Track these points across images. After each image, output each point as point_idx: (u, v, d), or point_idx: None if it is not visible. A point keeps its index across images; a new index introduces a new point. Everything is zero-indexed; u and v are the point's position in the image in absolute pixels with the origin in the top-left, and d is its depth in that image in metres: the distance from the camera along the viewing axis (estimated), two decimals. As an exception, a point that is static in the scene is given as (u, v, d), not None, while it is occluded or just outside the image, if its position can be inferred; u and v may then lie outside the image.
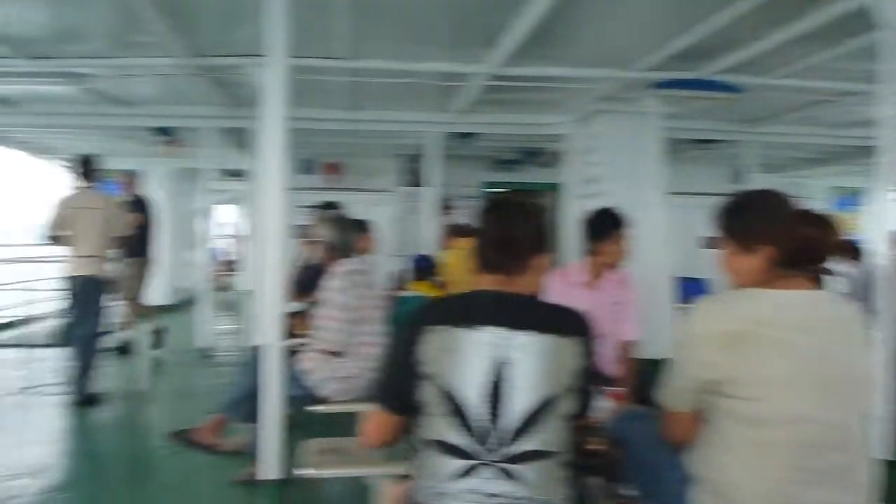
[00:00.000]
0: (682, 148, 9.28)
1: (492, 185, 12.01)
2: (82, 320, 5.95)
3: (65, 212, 5.90)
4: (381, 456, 3.06)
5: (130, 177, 8.04)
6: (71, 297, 5.97)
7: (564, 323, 1.93)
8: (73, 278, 5.90)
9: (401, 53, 5.76)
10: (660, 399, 2.18)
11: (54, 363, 7.42)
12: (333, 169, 11.90)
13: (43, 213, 6.00)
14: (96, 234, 5.92)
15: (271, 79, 3.93)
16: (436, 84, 6.67)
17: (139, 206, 7.75)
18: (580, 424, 1.96)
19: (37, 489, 4.06)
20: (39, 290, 9.72)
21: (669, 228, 7.15)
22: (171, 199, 12.45)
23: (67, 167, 6.77)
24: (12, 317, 9.74)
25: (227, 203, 15.71)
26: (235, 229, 18.07)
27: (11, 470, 4.30)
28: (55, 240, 5.95)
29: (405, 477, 2.31)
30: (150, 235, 7.91)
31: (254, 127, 7.37)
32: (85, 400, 5.85)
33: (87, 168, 6.08)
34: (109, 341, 6.46)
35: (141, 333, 7.92)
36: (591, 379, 1.94)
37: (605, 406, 2.63)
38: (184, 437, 4.15)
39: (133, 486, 4.28)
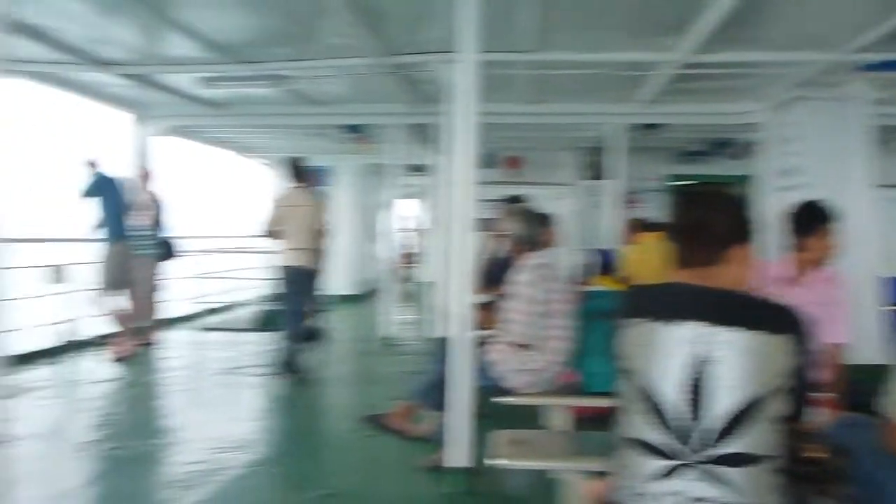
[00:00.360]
0: (894, 137, 8.49)
1: (677, 177, 11.58)
2: (294, 306, 6.57)
3: (279, 209, 6.52)
4: (574, 451, 3.04)
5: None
6: (284, 284, 6.56)
7: (775, 319, 1.79)
8: (286, 268, 6.50)
9: (587, 44, 5.67)
10: (884, 408, 2.00)
11: (256, 346, 8.03)
12: (514, 163, 11.95)
13: (257, 210, 6.64)
14: (306, 229, 6.49)
15: (462, 75, 3.98)
16: (621, 74, 6.51)
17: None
18: (795, 429, 1.82)
19: (242, 462, 4.40)
20: (243, 279, 10.51)
21: (879, 224, 6.57)
22: (356, 194, 13.03)
23: (278, 167, 7.32)
24: (219, 303, 10.59)
25: (408, 197, 16.21)
26: (416, 223, 18.62)
27: (220, 444, 4.69)
28: (271, 234, 6.57)
29: (601, 474, 2.27)
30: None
31: (439, 123, 7.59)
32: (293, 378, 6.47)
33: (297, 169, 6.69)
34: (307, 327, 6.89)
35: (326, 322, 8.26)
36: (804, 380, 1.80)
37: (819, 412, 2.46)
38: (375, 421, 4.33)
39: (326, 464, 4.52)
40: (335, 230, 7.92)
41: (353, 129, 9.35)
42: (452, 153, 4.13)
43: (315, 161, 12.43)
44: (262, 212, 6.61)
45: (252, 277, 10.41)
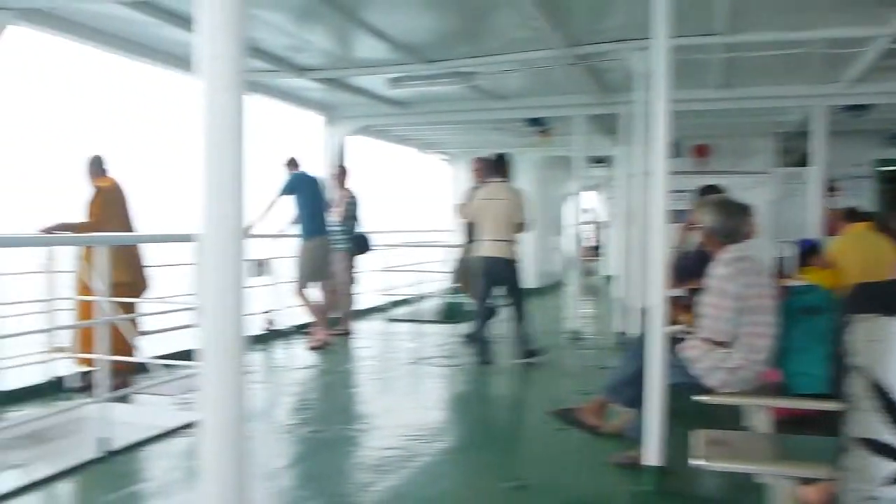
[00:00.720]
0: None
1: (887, 162, 10.59)
2: (488, 296, 6.80)
3: (477, 202, 6.79)
4: (780, 454, 2.87)
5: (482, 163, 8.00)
6: (483, 276, 6.77)
7: None
8: (483, 259, 6.72)
9: (787, 22, 5.31)
10: None
11: (440, 337, 8.24)
12: (702, 151, 11.42)
13: (438, 204, 6.87)
14: (504, 222, 6.65)
15: (655, 61, 3.85)
16: (824, 53, 6.05)
17: None
18: None
19: (434, 450, 4.52)
20: (427, 272, 10.81)
21: None
22: (538, 187, 13.01)
23: (478, 162, 7.48)
24: (405, 295, 10.96)
25: (589, 190, 15.99)
26: (598, 215, 18.35)
27: (412, 430, 4.83)
28: (468, 226, 6.85)
29: (813, 480, 2.13)
30: None
31: (623, 112, 7.40)
32: (487, 364, 6.72)
33: (499, 164, 6.90)
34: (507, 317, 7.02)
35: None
36: None
37: None
38: (565, 415, 4.31)
39: (516, 455, 4.56)
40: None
41: (535, 122, 9.33)
42: (637, 143, 4.02)
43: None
44: (459, 204, 6.96)
45: (435, 270, 10.68)
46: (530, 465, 4.29)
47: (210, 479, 1.51)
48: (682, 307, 4.48)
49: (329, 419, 5.23)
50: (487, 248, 6.69)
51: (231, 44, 1.29)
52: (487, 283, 6.78)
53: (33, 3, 5.20)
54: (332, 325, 8.05)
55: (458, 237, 7.91)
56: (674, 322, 4.28)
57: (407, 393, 6.22)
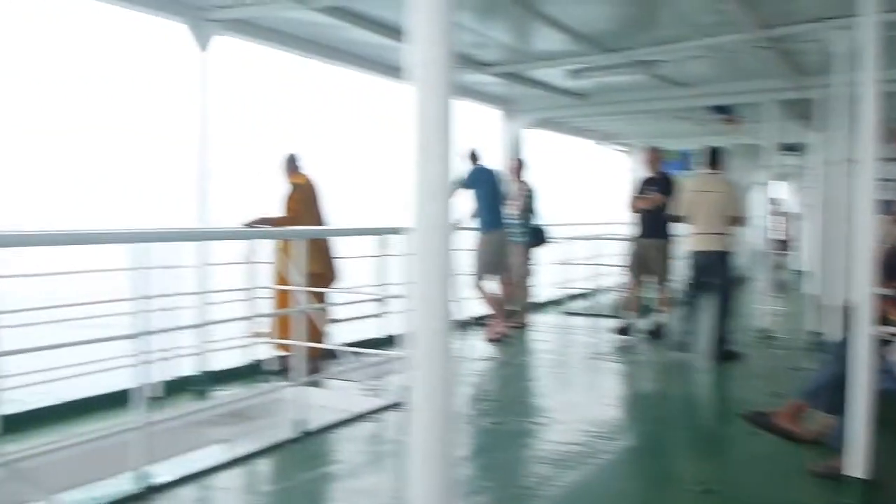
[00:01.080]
0: None
1: None
2: (708, 290, 6.59)
3: (689, 194, 6.67)
4: None
5: (654, 154, 7.73)
6: (693, 269, 6.66)
7: None
8: (696, 253, 6.61)
9: None
10: None
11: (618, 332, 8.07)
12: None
13: (613, 196, 6.74)
14: (717, 214, 6.49)
15: (864, 38, 3.57)
16: None
17: (660, 184, 7.43)
18: None
19: (615, 448, 4.45)
20: (604, 265, 10.64)
21: None
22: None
23: (650, 153, 7.34)
24: (581, 288, 10.86)
25: (779, 179, 15.07)
26: (787, 207, 17.25)
27: (592, 427, 4.77)
28: (680, 219, 6.75)
29: None
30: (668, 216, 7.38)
31: (819, 97, 6.92)
32: (725, 356, 6.50)
33: (713, 156, 6.71)
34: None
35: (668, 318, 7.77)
36: None
37: None
38: (758, 419, 4.11)
39: (703, 458, 4.38)
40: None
41: (721, 109, 8.93)
42: (837, 129, 3.74)
43: (677, 145, 12.16)
44: (677, 197, 6.88)
45: (612, 264, 10.50)
46: (718, 469, 4.12)
47: (420, 460, 1.59)
48: (892, 305, 4.13)
49: (508, 411, 5.29)
50: (698, 241, 6.56)
51: (440, 50, 1.34)
52: (697, 277, 6.64)
53: (235, 14, 5.63)
54: (510, 317, 8.12)
55: (632, 229, 7.70)
56: (883, 322, 3.95)
57: (586, 388, 6.17)
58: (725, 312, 6.57)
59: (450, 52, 1.39)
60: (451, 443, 1.62)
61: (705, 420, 5.42)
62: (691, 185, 6.80)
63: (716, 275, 6.54)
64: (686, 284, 6.79)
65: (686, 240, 6.76)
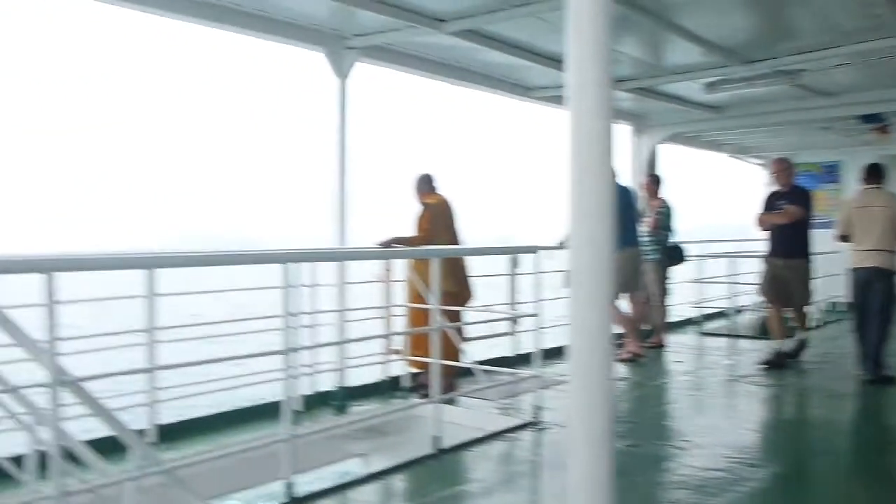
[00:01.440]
0: None
1: None
2: (871, 308, 6.32)
3: (850, 210, 6.47)
4: None
5: (782, 164, 7.09)
6: (854, 288, 6.42)
7: None
8: (856, 270, 6.36)
9: None
10: None
11: (757, 354, 7.68)
12: None
13: (749, 211, 6.50)
14: (880, 230, 6.23)
15: None
16: None
17: (790, 198, 6.87)
18: None
19: (760, 475, 4.22)
20: (741, 284, 10.19)
21: None
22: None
23: (779, 164, 7.00)
24: (717, 308, 10.46)
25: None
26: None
27: (734, 452, 4.55)
28: (843, 238, 6.51)
29: None
30: (808, 231, 6.94)
31: None
32: (879, 380, 6.24)
33: (873, 171, 6.48)
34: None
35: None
36: None
37: None
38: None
39: (855, 490, 4.12)
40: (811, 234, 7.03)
41: (871, 118, 8.43)
42: None
43: (820, 157, 11.56)
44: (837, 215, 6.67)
45: (749, 283, 10.05)
46: (871, 502, 3.86)
47: (578, 477, 1.60)
48: None
49: (644, 434, 5.14)
50: (860, 258, 6.30)
51: (599, 74, 1.35)
52: (859, 296, 6.36)
53: (373, 41, 5.84)
54: (645, 337, 7.93)
55: (765, 247, 7.27)
56: None
57: (726, 412, 5.93)
58: (885, 335, 6.23)
59: (610, 76, 1.39)
60: (608, 464, 1.61)
61: (856, 448, 5.08)
62: (852, 200, 6.57)
63: (877, 293, 6.23)
64: (848, 305, 6.50)
65: (847, 257, 6.49)
